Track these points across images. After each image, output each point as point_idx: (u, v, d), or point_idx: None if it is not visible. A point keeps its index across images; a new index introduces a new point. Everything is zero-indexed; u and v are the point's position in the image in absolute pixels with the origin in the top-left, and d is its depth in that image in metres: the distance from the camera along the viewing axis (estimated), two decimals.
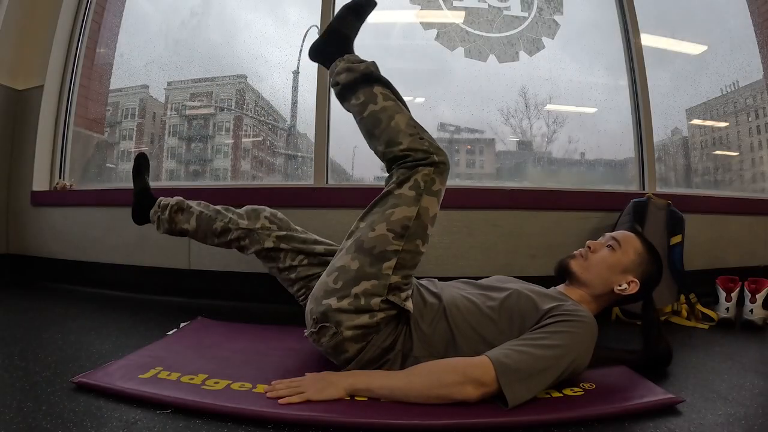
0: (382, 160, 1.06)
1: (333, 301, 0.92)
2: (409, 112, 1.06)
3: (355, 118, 1.09)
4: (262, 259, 1.25)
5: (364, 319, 0.91)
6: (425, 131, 1.03)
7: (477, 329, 0.94)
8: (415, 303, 0.98)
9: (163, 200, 1.34)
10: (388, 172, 1.05)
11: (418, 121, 1.05)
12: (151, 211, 1.34)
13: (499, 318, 0.95)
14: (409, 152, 0.99)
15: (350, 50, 1.13)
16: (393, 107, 1.03)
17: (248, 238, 1.23)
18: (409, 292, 0.98)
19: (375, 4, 1.14)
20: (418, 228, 0.96)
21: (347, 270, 0.94)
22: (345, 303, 0.91)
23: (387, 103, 1.04)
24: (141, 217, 1.38)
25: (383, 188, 1.02)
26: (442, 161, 0.99)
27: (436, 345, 0.94)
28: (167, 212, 1.30)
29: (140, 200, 1.38)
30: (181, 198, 1.33)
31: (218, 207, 1.30)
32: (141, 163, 1.43)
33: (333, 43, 1.12)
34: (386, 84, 1.07)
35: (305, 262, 1.19)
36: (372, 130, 1.04)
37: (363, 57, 1.11)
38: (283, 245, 1.21)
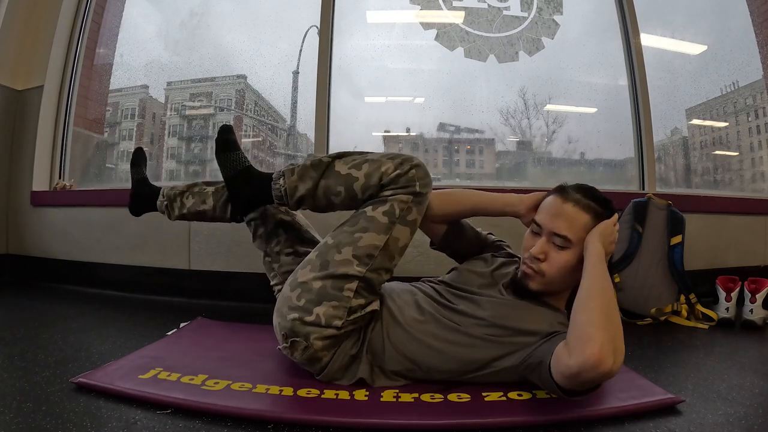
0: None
1: (297, 317, 0.91)
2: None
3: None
4: (259, 238, 1.23)
5: (331, 330, 0.90)
6: (411, 158, 0.96)
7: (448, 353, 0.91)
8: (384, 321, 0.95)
9: (167, 190, 1.28)
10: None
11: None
12: (158, 202, 1.28)
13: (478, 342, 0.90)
14: (392, 179, 0.93)
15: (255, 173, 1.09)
16: (359, 163, 0.96)
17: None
18: (375, 302, 0.95)
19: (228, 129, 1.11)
20: (383, 259, 0.93)
21: (310, 289, 0.91)
22: (309, 319, 0.90)
23: (355, 170, 0.95)
24: (139, 207, 1.33)
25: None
26: (423, 192, 0.94)
27: (404, 359, 0.92)
28: (178, 199, 1.24)
29: (139, 190, 1.32)
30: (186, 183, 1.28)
31: None
32: (138, 155, 1.38)
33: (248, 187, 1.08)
34: (335, 158, 0.99)
35: (291, 258, 1.17)
36: (363, 195, 0.96)
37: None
38: (280, 231, 1.20)
